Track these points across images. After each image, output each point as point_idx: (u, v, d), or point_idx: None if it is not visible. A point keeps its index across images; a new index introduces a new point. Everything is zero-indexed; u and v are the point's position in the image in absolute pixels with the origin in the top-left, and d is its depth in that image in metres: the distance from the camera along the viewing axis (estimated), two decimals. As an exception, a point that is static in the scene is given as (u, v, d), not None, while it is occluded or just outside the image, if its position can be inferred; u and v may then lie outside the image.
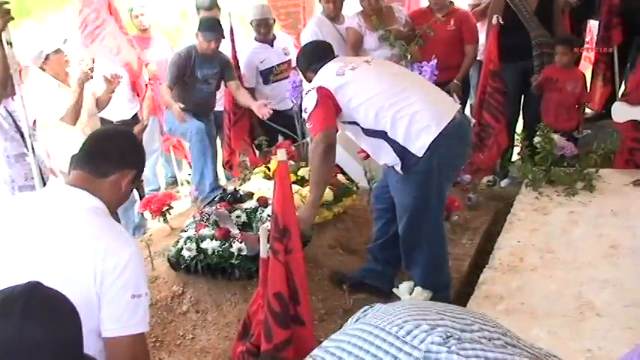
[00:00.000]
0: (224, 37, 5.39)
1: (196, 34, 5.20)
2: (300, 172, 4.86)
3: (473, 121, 3.76)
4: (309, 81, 3.69)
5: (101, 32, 5.76)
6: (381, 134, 3.37)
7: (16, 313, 1.47)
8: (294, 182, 4.51)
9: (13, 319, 1.47)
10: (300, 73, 4.01)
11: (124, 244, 2.07)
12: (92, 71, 4.97)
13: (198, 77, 5.34)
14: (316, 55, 3.76)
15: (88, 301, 1.91)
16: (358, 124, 3.45)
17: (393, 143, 3.34)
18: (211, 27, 5.22)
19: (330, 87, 3.41)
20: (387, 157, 3.43)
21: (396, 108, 3.33)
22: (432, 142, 3.26)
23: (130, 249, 2.07)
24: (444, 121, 3.31)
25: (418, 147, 3.29)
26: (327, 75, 3.50)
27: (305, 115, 3.50)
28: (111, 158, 2.19)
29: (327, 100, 3.37)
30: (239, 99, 5.47)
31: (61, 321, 1.55)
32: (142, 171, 2.37)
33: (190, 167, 6.24)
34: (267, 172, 4.95)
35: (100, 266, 1.98)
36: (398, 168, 3.40)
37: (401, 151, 3.33)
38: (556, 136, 5.14)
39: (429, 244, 3.54)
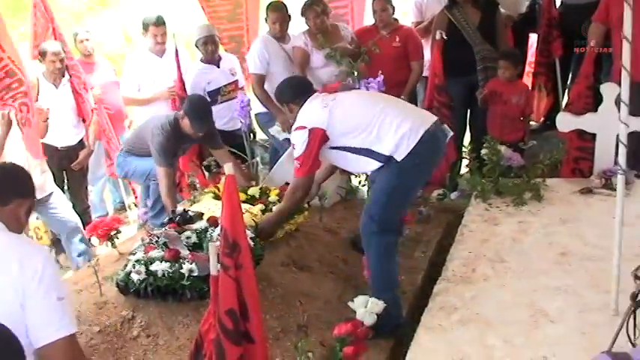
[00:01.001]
0: (214, 129, 5.19)
1: (182, 116, 4.84)
2: (250, 192, 4.82)
3: (451, 133, 3.88)
4: (291, 112, 3.95)
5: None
6: (366, 151, 3.64)
7: None
8: (244, 201, 4.47)
9: None
10: (282, 106, 4.17)
11: (35, 251, 2.20)
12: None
13: (176, 152, 5.12)
14: (301, 89, 4.04)
15: (13, 317, 1.93)
16: (344, 148, 3.72)
17: (377, 156, 3.62)
18: (203, 119, 4.86)
19: (323, 124, 3.67)
20: (370, 167, 3.72)
21: (378, 125, 3.61)
22: (412, 149, 3.53)
23: (42, 255, 2.18)
24: (420, 130, 3.57)
25: (399, 154, 3.56)
26: (315, 111, 3.75)
27: (294, 153, 3.79)
28: (8, 188, 2.38)
29: (318, 143, 3.67)
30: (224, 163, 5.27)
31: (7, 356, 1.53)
32: (34, 203, 2.54)
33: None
34: (217, 192, 4.88)
35: (17, 279, 2.05)
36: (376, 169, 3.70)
37: (385, 159, 3.61)
38: (503, 148, 5.19)
39: (383, 234, 3.64)
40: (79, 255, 5.47)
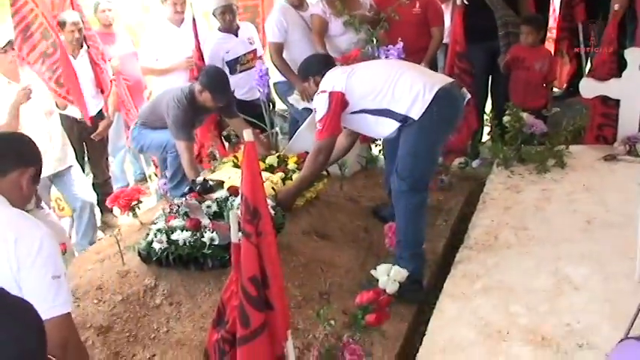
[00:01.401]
0: (234, 99, 5.20)
1: (200, 89, 4.78)
2: (269, 160, 4.81)
3: (468, 96, 3.90)
4: (316, 85, 4.10)
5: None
6: (384, 112, 3.76)
7: None
8: (263, 170, 4.47)
9: None
10: (307, 80, 4.31)
11: (33, 227, 2.16)
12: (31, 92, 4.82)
13: (194, 124, 5.11)
14: (325, 64, 4.22)
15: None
16: (364, 111, 3.84)
17: (395, 115, 3.72)
18: (224, 90, 4.86)
19: (342, 87, 3.83)
20: (388, 129, 3.81)
21: (393, 85, 3.72)
22: (428, 105, 3.61)
23: (41, 231, 2.14)
24: (435, 87, 3.65)
25: (415, 112, 3.64)
26: (334, 77, 3.94)
27: (316, 116, 3.97)
28: (7, 157, 2.30)
29: (337, 104, 3.82)
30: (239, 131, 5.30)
31: (25, 327, 1.47)
32: (41, 169, 2.45)
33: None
34: (236, 160, 4.87)
35: (12, 254, 2.04)
36: (394, 131, 3.81)
37: (402, 119, 3.71)
38: (525, 115, 5.13)
39: (413, 193, 3.73)
40: (83, 236, 5.50)
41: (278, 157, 4.92)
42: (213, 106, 4.88)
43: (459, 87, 3.94)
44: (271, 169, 4.75)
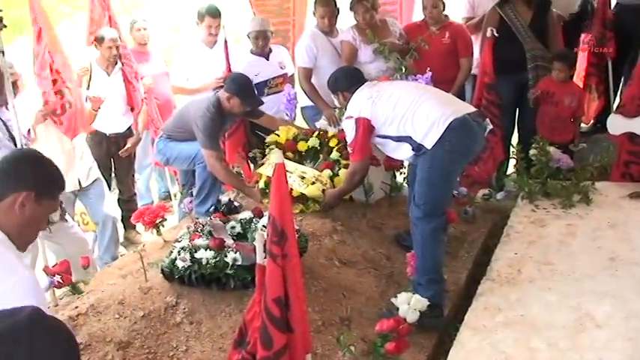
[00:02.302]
0: (263, 103, 5.23)
1: (228, 97, 4.84)
2: (311, 142, 5.14)
3: (490, 126, 3.94)
4: (345, 99, 4.27)
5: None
6: (407, 139, 3.86)
7: (24, 339, 1.41)
8: (305, 152, 5.13)
9: (23, 344, 1.40)
10: (336, 94, 4.47)
11: (7, 274, 2.00)
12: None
13: (220, 133, 5.19)
14: (354, 78, 4.34)
15: None
16: (387, 137, 3.98)
17: (412, 142, 3.83)
18: (253, 94, 5.02)
19: (367, 114, 3.97)
20: (405, 154, 3.97)
21: (413, 113, 3.81)
22: (441, 135, 3.67)
23: (14, 278, 2.00)
24: (450, 118, 3.69)
25: (428, 142, 3.72)
26: (361, 102, 4.05)
27: (347, 140, 4.20)
28: (2, 179, 2.17)
29: (364, 130, 3.98)
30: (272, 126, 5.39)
31: (63, 345, 1.49)
32: (49, 193, 2.27)
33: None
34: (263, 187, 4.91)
35: None
36: (410, 157, 3.98)
37: (417, 147, 3.81)
38: (552, 149, 5.12)
39: (428, 220, 3.76)
40: (106, 251, 5.53)
41: (318, 136, 5.13)
42: (241, 110, 4.96)
43: (481, 117, 3.99)
44: (315, 152, 5.07)
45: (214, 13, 5.94)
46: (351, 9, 5.69)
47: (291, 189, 4.66)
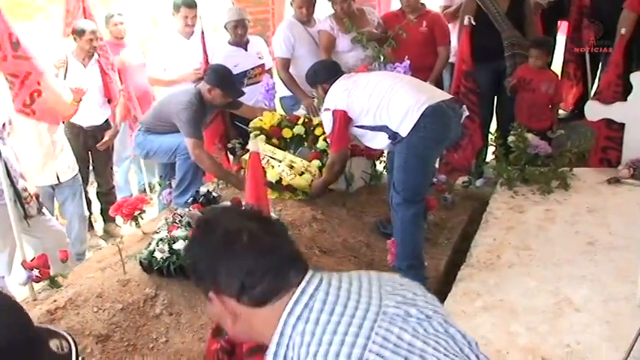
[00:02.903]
0: (244, 94, 5.22)
1: (209, 88, 4.83)
2: (296, 130, 5.15)
3: (466, 113, 3.97)
4: (324, 92, 4.29)
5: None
6: (383, 128, 3.90)
7: None
8: (290, 139, 5.15)
9: None
10: (315, 87, 4.56)
11: None
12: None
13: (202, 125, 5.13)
14: (332, 71, 4.39)
15: None
16: (365, 127, 4.02)
17: (388, 131, 3.87)
18: (234, 85, 5.04)
19: (344, 106, 4.02)
20: (382, 143, 4.02)
21: (388, 102, 3.84)
22: (415, 123, 3.71)
23: None
24: (424, 105, 3.72)
25: (403, 130, 3.77)
26: (337, 94, 4.11)
27: (326, 132, 4.38)
28: None
29: (341, 122, 4.04)
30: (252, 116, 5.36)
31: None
32: None
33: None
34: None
35: None
36: (387, 146, 4.03)
37: (392, 135, 3.85)
38: (530, 136, 5.15)
39: (408, 206, 3.84)
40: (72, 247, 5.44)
41: (304, 124, 5.15)
42: (223, 102, 4.97)
43: (457, 104, 4.03)
44: (299, 140, 5.10)
45: (190, 4, 5.89)
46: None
47: (280, 178, 4.67)
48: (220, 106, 5.10)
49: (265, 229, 1.40)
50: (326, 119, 4.16)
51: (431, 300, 1.49)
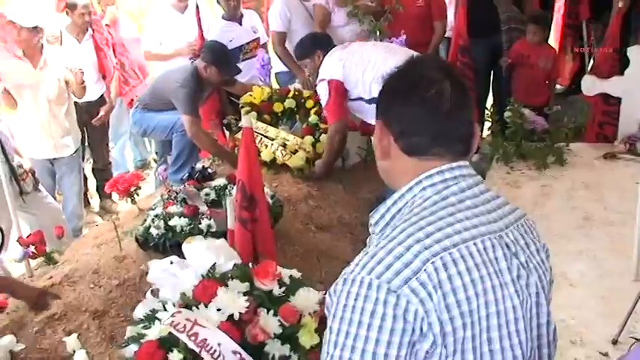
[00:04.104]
0: (240, 71, 5.18)
1: (205, 66, 4.81)
2: (287, 104, 5.11)
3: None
4: (314, 63, 4.31)
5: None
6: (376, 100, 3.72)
7: None
8: (281, 113, 5.10)
9: None
10: (309, 57, 4.46)
11: None
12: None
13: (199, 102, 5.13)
14: (322, 41, 4.44)
15: None
16: (362, 99, 4.01)
17: None
18: (229, 63, 4.98)
19: (340, 77, 4.03)
20: None
21: (381, 75, 3.59)
22: None
23: None
24: None
25: None
26: (332, 65, 4.11)
27: (322, 103, 4.25)
28: None
29: (337, 92, 4.04)
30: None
31: None
32: None
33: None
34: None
35: None
36: None
37: None
38: (526, 111, 5.13)
39: None
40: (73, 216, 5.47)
41: (294, 97, 5.12)
42: (219, 79, 4.93)
43: None
44: (291, 113, 5.08)
45: None
46: None
47: (275, 158, 4.65)
48: (217, 83, 5.07)
49: (457, 94, 1.40)
50: (322, 90, 4.15)
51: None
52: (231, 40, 5.71)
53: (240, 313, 2.18)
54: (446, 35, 6.03)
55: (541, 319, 1.45)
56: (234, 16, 5.83)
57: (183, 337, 2.11)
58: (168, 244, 3.55)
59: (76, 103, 5.72)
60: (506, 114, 5.15)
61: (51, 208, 4.73)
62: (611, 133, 5.32)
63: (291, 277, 2.42)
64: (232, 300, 2.21)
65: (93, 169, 6.28)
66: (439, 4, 5.84)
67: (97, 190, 6.32)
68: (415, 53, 4.26)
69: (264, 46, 6.07)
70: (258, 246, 2.18)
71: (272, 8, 5.87)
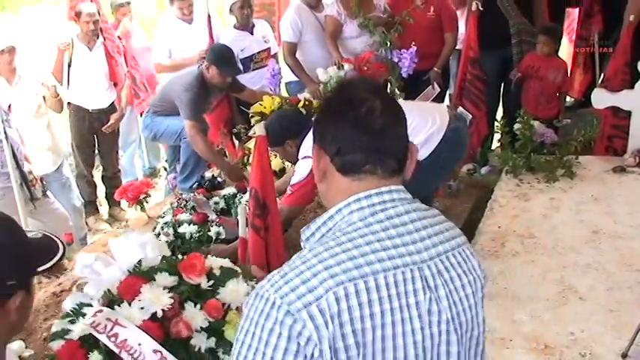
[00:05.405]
0: (242, 72, 5.19)
1: (207, 66, 4.79)
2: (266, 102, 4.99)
3: (469, 116, 3.92)
4: (291, 148, 3.70)
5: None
6: None
7: None
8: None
9: None
10: (278, 147, 3.81)
11: None
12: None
13: (204, 107, 5.09)
14: (299, 123, 3.80)
15: None
16: None
17: None
18: (230, 62, 4.90)
19: None
20: None
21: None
22: (435, 148, 3.62)
23: None
24: (442, 129, 3.65)
25: (421, 154, 3.44)
26: None
27: (292, 179, 3.57)
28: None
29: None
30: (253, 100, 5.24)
31: None
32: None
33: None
34: (245, 162, 4.89)
35: None
36: None
37: None
38: (536, 124, 5.12)
39: None
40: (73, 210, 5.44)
41: (304, 106, 4.96)
42: (221, 81, 4.87)
43: (458, 112, 4.02)
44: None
45: None
46: None
47: (284, 167, 4.66)
48: (221, 86, 5.05)
49: (389, 112, 1.44)
50: (302, 167, 3.49)
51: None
52: (242, 50, 5.74)
53: (163, 310, 2.23)
54: (457, 47, 6.03)
55: (451, 359, 1.42)
56: (245, 25, 5.85)
57: (103, 338, 2.13)
58: (178, 252, 3.56)
59: (86, 110, 5.77)
60: (516, 126, 5.14)
61: (59, 214, 4.76)
62: (621, 146, 5.31)
63: (222, 267, 2.46)
64: (156, 297, 2.26)
65: (102, 177, 6.31)
66: (450, 16, 5.84)
67: (106, 197, 6.34)
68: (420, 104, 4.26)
69: (275, 55, 6.08)
70: (269, 253, 2.18)
71: (284, 18, 5.89)
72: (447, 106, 3.94)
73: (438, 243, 1.44)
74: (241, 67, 5.36)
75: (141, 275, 2.32)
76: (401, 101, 4.43)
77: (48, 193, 4.68)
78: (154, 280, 2.30)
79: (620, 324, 3.11)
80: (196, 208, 3.87)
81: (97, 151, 6.15)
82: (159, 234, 3.64)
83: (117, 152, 6.39)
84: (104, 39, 5.80)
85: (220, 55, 4.84)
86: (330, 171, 1.44)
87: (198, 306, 2.29)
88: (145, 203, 4.39)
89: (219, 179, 4.30)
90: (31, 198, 4.37)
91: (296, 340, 1.26)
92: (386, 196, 1.41)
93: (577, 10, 6.68)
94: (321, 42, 5.60)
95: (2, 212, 1.52)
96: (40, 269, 1.54)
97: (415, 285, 1.35)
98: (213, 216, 3.77)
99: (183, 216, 3.75)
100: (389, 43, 5.43)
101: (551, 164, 5.02)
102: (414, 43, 5.21)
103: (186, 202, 3.94)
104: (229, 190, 4.19)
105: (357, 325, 1.28)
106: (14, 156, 4.04)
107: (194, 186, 4.44)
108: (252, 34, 5.90)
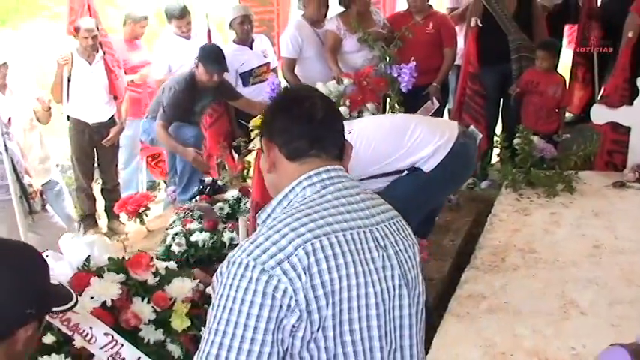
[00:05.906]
0: (227, 70, 5.23)
1: (196, 64, 4.90)
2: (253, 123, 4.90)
3: (480, 135, 3.92)
4: None
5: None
6: (397, 172, 3.65)
7: None
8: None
9: None
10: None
11: None
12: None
13: (194, 110, 5.17)
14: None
15: None
16: (374, 177, 3.63)
17: (400, 172, 3.64)
18: (215, 59, 4.97)
19: None
20: (383, 184, 3.65)
21: (403, 147, 3.61)
22: (442, 160, 3.58)
23: None
24: (449, 142, 3.62)
25: (428, 166, 3.60)
26: None
27: None
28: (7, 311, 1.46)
29: None
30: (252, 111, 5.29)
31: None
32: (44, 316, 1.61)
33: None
34: (245, 175, 4.90)
35: None
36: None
37: (412, 170, 3.63)
38: (535, 138, 5.13)
39: None
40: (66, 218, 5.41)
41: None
42: (207, 79, 4.92)
43: (469, 130, 3.98)
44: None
45: (179, 15, 5.92)
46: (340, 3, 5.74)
47: None
48: (210, 85, 5.06)
49: (328, 108, 1.67)
50: None
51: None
52: (241, 64, 5.78)
53: (112, 300, 2.38)
54: (456, 62, 6.05)
55: (403, 311, 1.61)
56: (245, 40, 5.88)
57: (56, 323, 2.26)
58: (192, 261, 3.56)
59: (86, 123, 5.77)
60: (515, 141, 5.15)
61: (58, 228, 4.73)
62: (620, 161, 5.31)
63: (167, 268, 2.66)
64: (105, 288, 2.41)
65: (102, 190, 6.29)
66: (449, 32, 5.87)
67: (105, 210, 6.32)
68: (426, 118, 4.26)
69: (275, 70, 6.10)
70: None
71: (284, 34, 5.92)
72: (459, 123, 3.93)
73: (380, 212, 1.65)
74: (241, 82, 5.39)
75: (89, 272, 2.49)
76: (410, 115, 4.50)
77: (47, 207, 4.67)
78: (102, 277, 2.47)
79: (621, 339, 3.05)
80: (203, 217, 3.87)
81: (96, 165, 6.14)
82: (170, 245, 3.63)
83: (116, 165, 6.38)
84: (104, 53, 5.81)
85: (206, 52, 4.95)
86: (279, 160, 1.62)
87: (146, 299, 2.44)
88: (144, 216, 4.39)
89: (219, 183, 4.30)
90: (30, 211, 4.36)
91: (271, 294, 1.39)
92: (332, 173, 1.60)
93: (575, 26, 6.71)
94: (321, 58, 5.63)
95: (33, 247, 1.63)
96: (55, 309, 1.64)
97: (369, 244, 1.56)
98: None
99: (193, 225, 3.75)
100: (388, 58, 5.44)
101: (551, 179, 5.02)
102: (413, 58, 5.22)
103: (192, 211, 3.93)
104: (233, 193, 4.18)
105: (326, 276, 1.43)
106: (14, 169, 4.03)
107: (195, 191, 4.44)
108: (251, 48, 5.93)
